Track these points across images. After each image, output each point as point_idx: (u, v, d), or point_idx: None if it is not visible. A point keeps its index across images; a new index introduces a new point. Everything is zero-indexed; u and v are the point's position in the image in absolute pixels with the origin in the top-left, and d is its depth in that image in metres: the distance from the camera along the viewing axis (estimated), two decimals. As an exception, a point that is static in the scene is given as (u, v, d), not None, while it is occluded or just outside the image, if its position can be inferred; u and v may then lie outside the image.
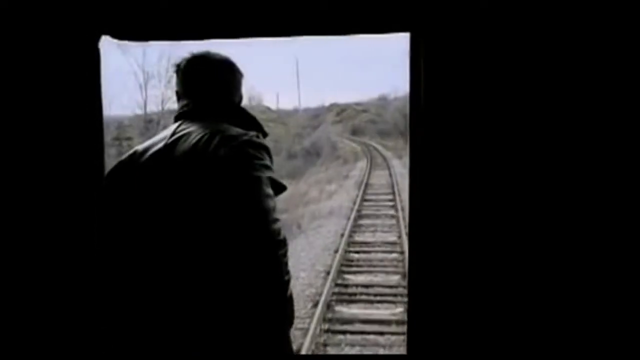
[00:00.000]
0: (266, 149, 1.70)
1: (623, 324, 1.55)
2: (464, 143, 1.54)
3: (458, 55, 1.52)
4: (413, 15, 1.54)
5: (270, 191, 1.63)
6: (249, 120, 1.82)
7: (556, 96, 1.51)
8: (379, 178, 21.30)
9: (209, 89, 1.85)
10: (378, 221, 12.92)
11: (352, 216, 13.09)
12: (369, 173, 23.03)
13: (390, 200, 15.67)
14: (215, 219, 1.60)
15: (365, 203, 15.34)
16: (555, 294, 1.56)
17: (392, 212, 13.98)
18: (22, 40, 1.56)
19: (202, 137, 1.67)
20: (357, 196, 16.30)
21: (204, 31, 1.62)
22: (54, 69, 1.57)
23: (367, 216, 13.53)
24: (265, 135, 1.81)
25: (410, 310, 1.65)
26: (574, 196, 1.53)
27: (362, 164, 28.04)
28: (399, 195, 15.84)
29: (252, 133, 1.72)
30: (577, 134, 1.52)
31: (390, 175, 21.72)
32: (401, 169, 22.60)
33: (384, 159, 29.52)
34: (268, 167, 1.67)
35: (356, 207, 14.41)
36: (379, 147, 37.76)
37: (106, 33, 1.60)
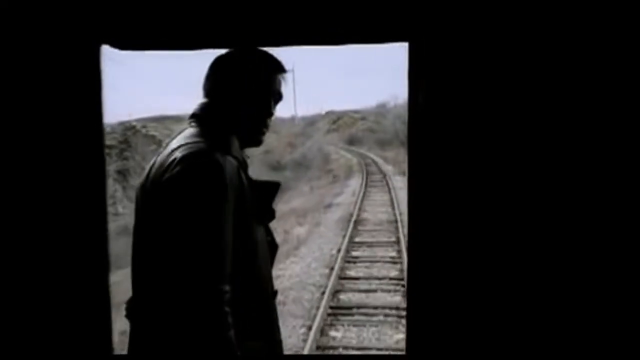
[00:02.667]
0: (212, 178, 1.43)
1: (623, 324, 1.55)
2: (463, 150, 1.53)
3: (457, 65, 1.52)
4: (411, 25, 1.55)
5: (200, 234, 1.41)
6: (221, 132, 1.59)
7: (556, 104, 1.52)
8: (376, 208, 14.39)
9: (205, 89, 1.69)
10: (370, 333, 6.02)
11: (318, 319, 6.17)
12: (363, 197, 16.18)
13: (392, 262, 8.79)
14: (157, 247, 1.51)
15: (350, 270, 8.44)
16: (553, 296, 1.55)
17: (397, 297, 7.09)
18: (24, 49, 1.56)
19: (168, 152, 1.54)
20: (337, 252, 9.40)
21: (203, 40, 1.63)
22: (55, 77, 1.57)
23: (349, 313, 6.62)
24: (230, 153, 1.53)
25: (409, 311, 1.64)
26: (572, 200, 1.53)
27: (356, 182, 21.30)
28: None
29: (203, 159, 1.45)
30: (576, 141, 1.52)
31: (392, 203, 14.84)
32: (406, 191, 15.69)
33: (384, 176, 22.77)
34: (201, 204, 1.42)
35: (331, 283, 7.49)
36: (378, 160, 31.68)
37: (106, 42, 1.61)
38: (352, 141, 49.85)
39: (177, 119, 49.55)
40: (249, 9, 1.52)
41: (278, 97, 1.68)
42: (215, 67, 1.65)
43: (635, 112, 1.48)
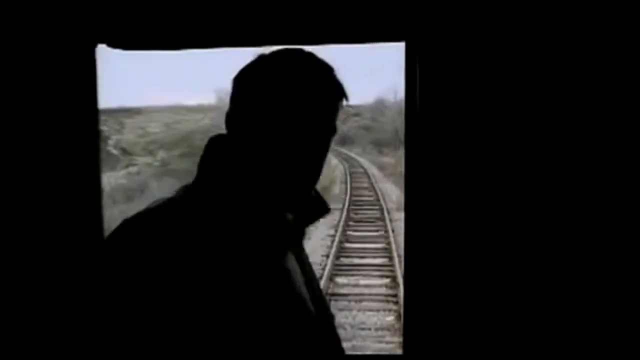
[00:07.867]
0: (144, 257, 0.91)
1: (622, 324, 1.50)
2: (461, 149, 1.50)
3: (453, 64, 1.50)
4: (408, 25, 1.52)
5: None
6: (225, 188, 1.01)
7: (552, 104, 1.48)
8: None
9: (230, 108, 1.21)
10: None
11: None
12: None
13: None
14: None
15: None
16: (552, 297, 1.50)
17: None
18: (20, 48, 1.54)
19: None
20: None
21: (199, 40, 1.59)
22: (51, 76, 1.55)
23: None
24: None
25: (406, 311, 1.61)
26: (570, 200, 1.48)
27: (327, 228, 10.81)
28: None
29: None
30: (573, 142, 1.47)
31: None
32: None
33: (380, 212, 12.35)
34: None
35: None
36: (372, 169, 21.45)
37: (102, 42, 1.58)
38: (343, 141, 40.29)
39: (135, 111, 39.31)
40: (246, 8, 1.50)
41: (329, 131, 1.06)
42: (242, 77, 1.03)
43: (634, 112, 1.44)
